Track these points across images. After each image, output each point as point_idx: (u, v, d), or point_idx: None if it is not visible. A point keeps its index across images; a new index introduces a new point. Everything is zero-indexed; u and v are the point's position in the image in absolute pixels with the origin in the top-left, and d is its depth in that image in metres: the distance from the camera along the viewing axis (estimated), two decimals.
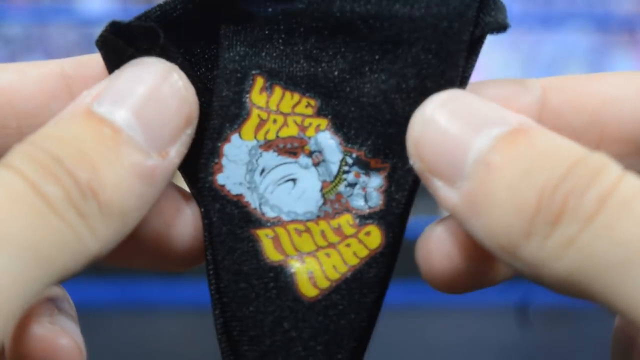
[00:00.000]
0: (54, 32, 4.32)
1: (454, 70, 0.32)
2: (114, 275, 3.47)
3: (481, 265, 0.33)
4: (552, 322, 2.97)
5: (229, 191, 0.33)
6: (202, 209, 0.33)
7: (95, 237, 0.29)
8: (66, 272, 0.28)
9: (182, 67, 0.32)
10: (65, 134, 0.30)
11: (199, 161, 0.33)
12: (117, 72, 0.32)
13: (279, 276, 0.33)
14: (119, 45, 0.32)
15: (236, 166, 0.33)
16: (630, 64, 2.07)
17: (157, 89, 0.31)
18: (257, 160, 0.33)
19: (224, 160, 0.33)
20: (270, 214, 0.33)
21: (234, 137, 0.33)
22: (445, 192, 0.31)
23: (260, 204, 0.33)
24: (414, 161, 0.31)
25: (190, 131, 0.32)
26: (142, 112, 0.31)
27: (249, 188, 0.33)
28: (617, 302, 0.27)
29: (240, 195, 0.33)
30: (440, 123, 0.31)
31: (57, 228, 0.28)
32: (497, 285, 0.35)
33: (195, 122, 0.32)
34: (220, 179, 0.33)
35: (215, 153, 0.33)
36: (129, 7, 4.60)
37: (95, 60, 0.34)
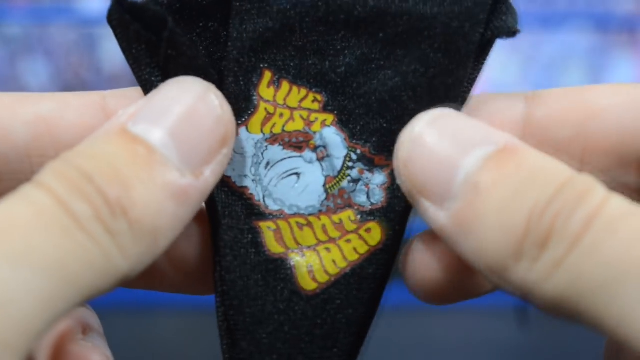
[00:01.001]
0: (54, 32, 4.32)
1: (462, 70, 0.32)
2: None
3: (465, 278, 0.33)
4: (552, 322, 2.97)
5: (234, 183, 0.33)
6: (207, 201, 0.33)
7: (125, 255, 0.28)
8: (94, 291, 0.28)
9: (191, 51, 0.32)
10: (99, 151, 0.29)
11: None
12: (154, 91, 0.32)
13: (279, 268, 0.33)
14: (126, 20, 0.31)
15: (242, 159, 0.33)
16: (630, 64, 2.06)
17: (193, 108, 0.31)
18: (262, 154, 0.33)
19: (235, 150, 0.33)
20: (273, 206, 0.33)
21: (241, 130, 0.33)
22: (434, 213, 0.31)
23: (263, 197, 0.33)
24: (402, 181, 0.31)
25: (226, 151, 0.31)
26: (177, 131, 0.30)
27: (253, 180, 0.33)
28: (604, 322, 0.28)
29: (244, 187, 0.33)
30: (429, 143, 0.31)
31: (84, 246, 0.27)
32: (482, 296, 0.36)
33: (232, 142, 0.32)
34: (226, 171, 0.33)
35: None
36: None
37: (136, 92, 0.34)
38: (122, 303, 3.45)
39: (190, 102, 0.31)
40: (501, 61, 2.77)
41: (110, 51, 4.56)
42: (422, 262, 0.33)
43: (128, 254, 0.28)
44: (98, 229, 0.28)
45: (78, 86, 4.31)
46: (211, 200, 0.33)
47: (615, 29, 2.14)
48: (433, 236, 0.33)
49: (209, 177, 0.30)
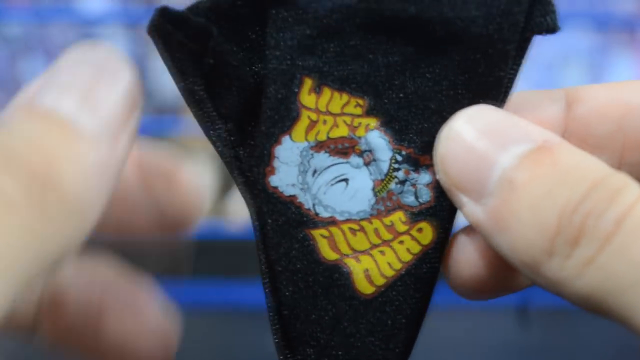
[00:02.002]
0: (54, 32, 4.31)
1: (502, 71, 0.33)
2: None
3: (506, 273, 0.34)
4: (552, 322, 2.97)
5: (282, 193, 0.34)
6: (255, 212, 0.34)
7: (55, 232, 0.28)
8: (28, 273, 0.27)
9: (235, 61, 0.32)
10: (15, 129, 0.29)
11: (250, 163, 0.34)
12: (56, 62, 0.31)
13: (335, 275, 0.34)
14: (169, 30, 0.32)
15: (288, 168, 0.34)
16: (631, 64, 2.07)
17: (101, 71, 0.30)
18: (308, 162, 0.34)
19: (275, 163, 0.34)
20: (324, 214, 0.34)
21: (285, 139, 0.33)
22: (471, 208, 0.31)
23: (314, 205, 0.34)
24: (441, 177, 0.32)
25: (137, 114, 0.31)
26: (89, 98, 0.30)
27: (302, 189, 0.34)
28: (632, 321, 0.29)
29: (293, 197, 0.34)
30: (466, 139, 0.31)
31: (16, 225, 0.27)
32: (522, 289, 0.36)
33: (140, 104, 0.31)
34: (273, 181, 0.34)
35: (266, 155, 0.33)
36: (129, 7, 4.59)
37: None
38: None
39: (96, 64, 0.30)
40: None
41: None
42: (465, 258, 0.34)
43: (58, 230, 0.27)
44: (27, 206, 0.27)
45: None
46: (259, 212, 0.33)
47: (616, 29, 2.14)
48: (475, 231, 0.33)
49: (126, 143, 0.30)
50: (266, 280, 0.34)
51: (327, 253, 0.34)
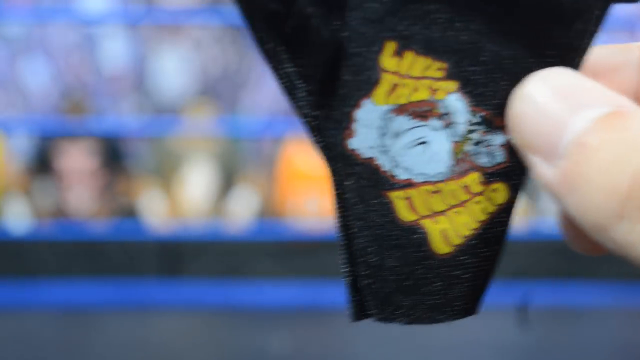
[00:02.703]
0: (54, 32, 4.32)
1: (579, 37, 0.33)
2: (114, 275, 3.47)
3: None
4: (552, 322, 2.97)
5: (360, 155, 0.34)
6: (333, 174, 0.35)
7: None
8: None
9: (318, 24, 0.32)
10: None
11: (329, 125, 0.34)
12: None
13: (413, 236, 0.34)
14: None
15: (368, 130, 0.34)
16: None
17: None
18: (388, 124, 0.34)
19: (355, 125, 0.34)
20: (402, 176, 0.34)
21: (366, 102, 0.33)
22: (542, 169, 0.31)
23: (392, 167, 0.34)
24: (513, 137, 0.32)
25: None
26: None
27: (380, 151, 0.34)
28: None
29: (371, 159, 0.34)
30: (540, 101, 0.31)
31: None
32: None
33: None
34: (352, 143, 0.34)
35: (346, 118, 0.34)
36: (129, 7, 4.58)
37: None
38: (122, 303, 3.44)
39: None
40: None
41: (110, 51, 4.55)
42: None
43: None
44: None
45: (78, 86, 4.31)
46: (338, 175, 0.35)
47: (615, 29, 2.14)
48: None
49: None
50: (343, 242, 0.35)
51: (405, 214, 0.34)
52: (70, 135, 3.70)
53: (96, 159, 3.74)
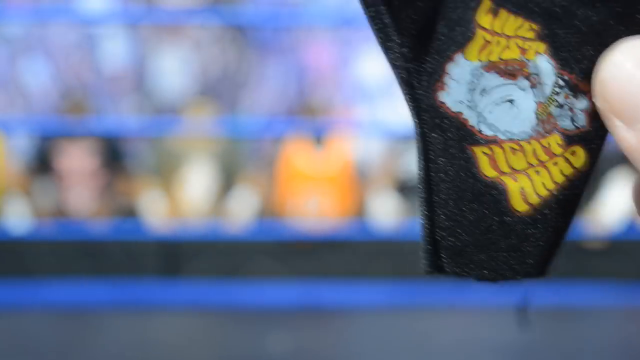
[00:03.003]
0: (54, 32, 4.32)
1: None
2: (114, 275, 3.47)
3: None
4: (552, 322, 2.98)
5: (449, 108, 0.35)
6: (420, 125, 0.36)
7: None
8: None
9: None
10: None
11: (420, 78, 0.35)
12: None
13: (492, 191, 0.36)
14: None
15: (458, 85, 0.35)
16: None
17: None
18: (478, 80, 0.35)
19: (446, 79, 0.35)
20: (487, 132, 0.36)
21: (458, 57, 0.34)
22: (623, 133, 0.32)
23: (478, 122, 0.35)
24: (597, 100, 0.33)
25: None
26: None
27: (468, 107, 0.35)
28: None
29: (459, 113, 0.35)
30: (627, 66, 0.32)
31: None
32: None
33: None
34: (442, 96, 0.35)
35: (438, 71, 0.35)
36: (129, 7, 4.57)
37: None
38: (122, 303, 3.44)
39: None
40: None
41: (110, 51, 4.54)
42: None
43: None
44: None
45: (78, 86, 4.31)
46: (424, 125, 0.36)
47: None
48: None
49: None
50: (423, 192, 0.36)
51: (487, 170, 0.36)
52: (70, 135, 3.70)
53: (96, 159, 3.74)
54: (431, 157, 0.36)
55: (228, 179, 3.85)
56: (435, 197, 0.36)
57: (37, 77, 4.39)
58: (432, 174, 0.36)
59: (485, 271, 0.36)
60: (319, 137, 3.87)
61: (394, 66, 0.35)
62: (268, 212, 3.83)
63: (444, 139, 0.35)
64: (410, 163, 3.69)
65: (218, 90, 4.39)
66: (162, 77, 4.39)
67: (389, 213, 3.74)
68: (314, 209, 3.76)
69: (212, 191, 3.82)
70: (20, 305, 3.57)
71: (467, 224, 0.36)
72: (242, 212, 3.78)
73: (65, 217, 3.68)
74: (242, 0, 4.38)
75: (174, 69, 4.36)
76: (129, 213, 3.74)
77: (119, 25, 4.46)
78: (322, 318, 3.37)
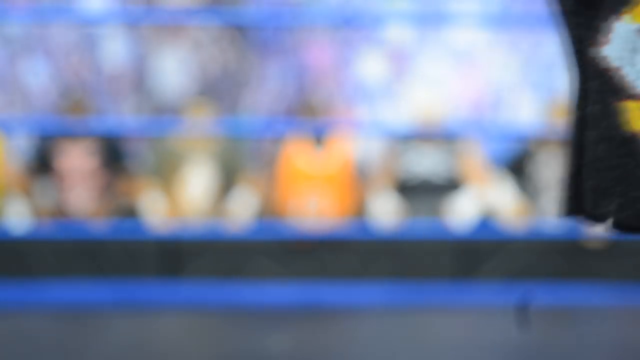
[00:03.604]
0: (54, 32, 4.31)
1: None
2: (114, 275, 3.47)
3: None
4: (552, 322, 2.98)
5: (610, 62, 0.38)
6: (582, 75, 0.38)
7: None
8: None
9: None
10: None
11: (588, 32, 0.38)
12: None
13: (638, 143, 0.38)
14: None
15: (622, 42, 0.37)
16: None
17: None
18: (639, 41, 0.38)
19: (612, 35, 0.37)
20: None
21: (626, 17, 0.37)
22: None
23: (635, 79, 0.38)
24: None
25: None
26: None
27: (628, 63, 0.37)
28: None
29: (619, 68, 0.38)
30: None
31: None
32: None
33: None
34: (606, 50, 0.38)
35: (606, 28, 0.38)
36: (129, 7, 4.57)
37: None
38: (122, 303, 3.44)
39: None
40: (501, 61, 2.78)
41: (111, 51, 4.55)
42: None
43: None
44: None
45: (78, 86, 4.31)
46: (585, 76, 0.38)
47: None
48: None
49: None
50: (575, 135, 0.38)
51: (636, 123, 0.37)
52: (70, 135, 3.70)
53: (96, 159, 3.74)
54: (587, 103, 0.38)
55: (228, 179, 3.85)
56: (586, 140, 0.38)
57: (37, 77, 4.39)
58: (587, 122, 0.38)
59: (622, 218, 0.39)
60: (319, 137, 3.86)
61: (566, 19, 0.38)
62: (268, 212, 3.83)
63: (601, 89, 0.38)
64: (410, 163, 3.69)
65: (218, 90, 4.39)
66: (162, 77, 4.39)
67: (389, 213, 3.74)
68: (313, 209, 3.76)
69: (212, 191, 3.82)
70: (21, 305, 3.57)
71: (613, 169, 0.38)
72: (242, 212, 3.78)
73: (65, 217, 3.68)
74: (242, 0, 4.38)
75: (174, 69, 4.36)
76: (129, 213, 3.74)
77: (119, 25, 4.46)
78: (322, 318, 3.37)
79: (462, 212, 3.68)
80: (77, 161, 3.72)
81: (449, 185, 3.72)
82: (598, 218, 0.39)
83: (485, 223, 3.59)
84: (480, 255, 3.45)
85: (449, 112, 4.01)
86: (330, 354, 2.82)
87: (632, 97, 0.38)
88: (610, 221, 0.39)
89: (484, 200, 3.67)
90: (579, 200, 0.39)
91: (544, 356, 2.67)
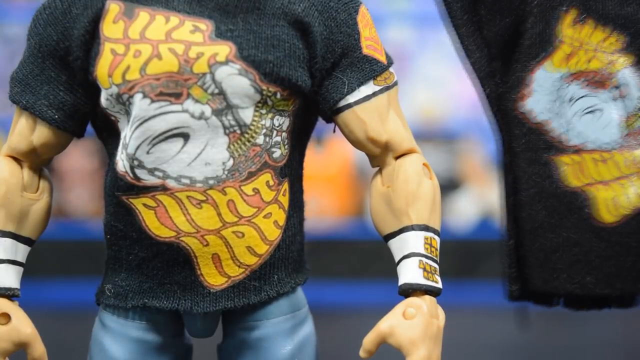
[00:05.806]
0: None
1: None
2: None
3: None
4: (552, 322, 2.97)
5: (535, 117, 0.36)
6: (504, 134, 0.36)
7: None
8: None
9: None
10: None
11: (505, 90, 0.36)
12: None
13: (575, 201, 0.36)
14: None
15: (542, 95, 0.36)
16: None
17: None
18: (565, 89, 0.36)
19: (530, 89, 0.36)
20: (574, 141, 0.36)
21: (542, 67, 0.36)
22: None
23: (563, 132, 0.36)
24: None
25: None
26: None
27: (556, 114, 0.36)
28: None
29: (546, 122, 0.36)
30: None
31: None
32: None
33: None
34: (526, 105, 0.36)
35: (522, 82, 0.36)
36: None
37: None
38: None
39: None
40: None
41: None
42: None
43: None
44: None
45: None
46: (508, 135, 0.36)
47: None
48: None
49: None
50: (508, 200, 0.36)
51: (569, 180, 0.37)
52: None
53: (96, 159, 3.74)
54: (516, 166, 0.36)
55: None
56: (520, 206, 0.37)
57: None
58: (516, 183, 0.37)
59: (576, 284, 0.36)
60: (318, 137, 3.86)
61: (480, 79, 0.36)
62: None
63: (528, 149, 0.36)
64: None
65: None
66: None
67: None
68: (313, 209, 3.76)
69: None
70: (21, 305, 3.55)
71: (551, 236, 0.36)
72: None
73: (65, 217, 3.68)
74: None
75: None
76: None
77: None
78: (321, 318, 3.37)
79: (462, 212, 3.67)
80: (77, 161, 3.72)
81: (449, 185, 3.71)
82: (550, 288, 0.37)
83: (485, 223, 3.59)
84: (480, 255, 3.44)
85: (449, 112, 4.00)
86: (330, 354, 2.82)
87: (562, 151, 0.36)
88: (565, 288, 0.37)
89: (484, 200, 3.67)
90: (523, 275, 0.36)
91: (544, 356, 2.66)
